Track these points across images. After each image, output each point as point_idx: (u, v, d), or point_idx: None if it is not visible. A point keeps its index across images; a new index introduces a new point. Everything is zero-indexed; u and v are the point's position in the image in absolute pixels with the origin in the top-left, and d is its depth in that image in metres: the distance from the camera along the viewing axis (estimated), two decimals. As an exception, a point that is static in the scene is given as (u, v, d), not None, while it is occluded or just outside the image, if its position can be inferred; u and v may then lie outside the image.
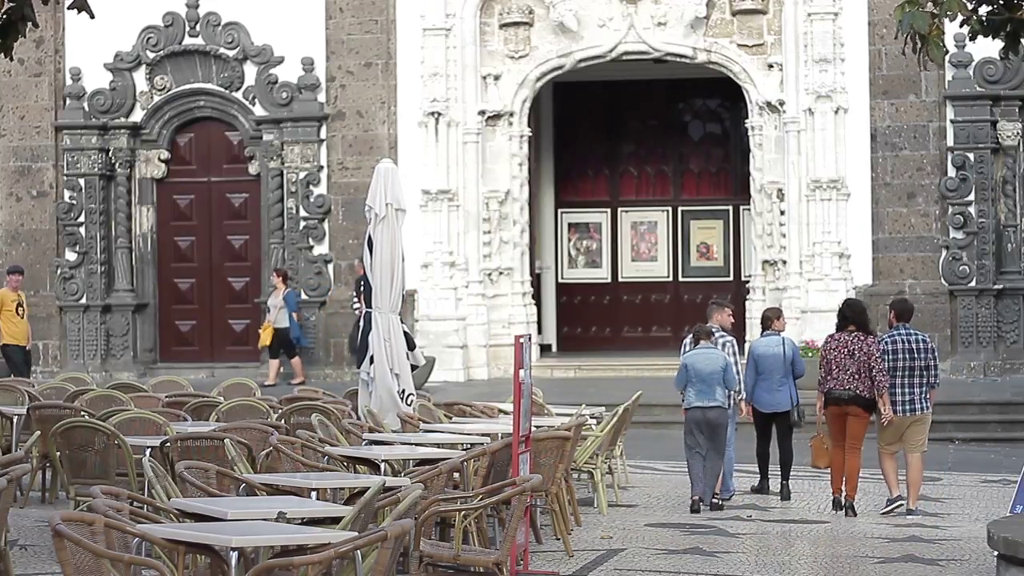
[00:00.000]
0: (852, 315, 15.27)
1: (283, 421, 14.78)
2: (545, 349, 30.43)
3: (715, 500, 15.37)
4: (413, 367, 16.04)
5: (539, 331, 29.28)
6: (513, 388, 12.46)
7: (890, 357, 15.09)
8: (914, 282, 26.29)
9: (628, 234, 31.97)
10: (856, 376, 15.02)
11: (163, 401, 16.57)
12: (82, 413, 14.40)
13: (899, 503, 15.26)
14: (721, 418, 15.29)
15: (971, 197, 26.17)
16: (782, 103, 26.64)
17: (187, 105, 28.44)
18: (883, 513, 15.24)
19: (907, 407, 15.14)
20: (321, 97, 27.69)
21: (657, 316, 31.32)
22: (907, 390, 15.11)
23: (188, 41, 28.25)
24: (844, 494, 15.32)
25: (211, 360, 28.27)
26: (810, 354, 23.35)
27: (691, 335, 15.90)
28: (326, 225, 27.64)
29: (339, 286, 27.51)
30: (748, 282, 27.98)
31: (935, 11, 11.12)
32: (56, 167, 28.45)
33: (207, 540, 8.11)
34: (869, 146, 26.44)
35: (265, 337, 26.71)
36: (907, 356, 15.10)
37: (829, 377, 15.11)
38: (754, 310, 27.00)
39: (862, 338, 15.10)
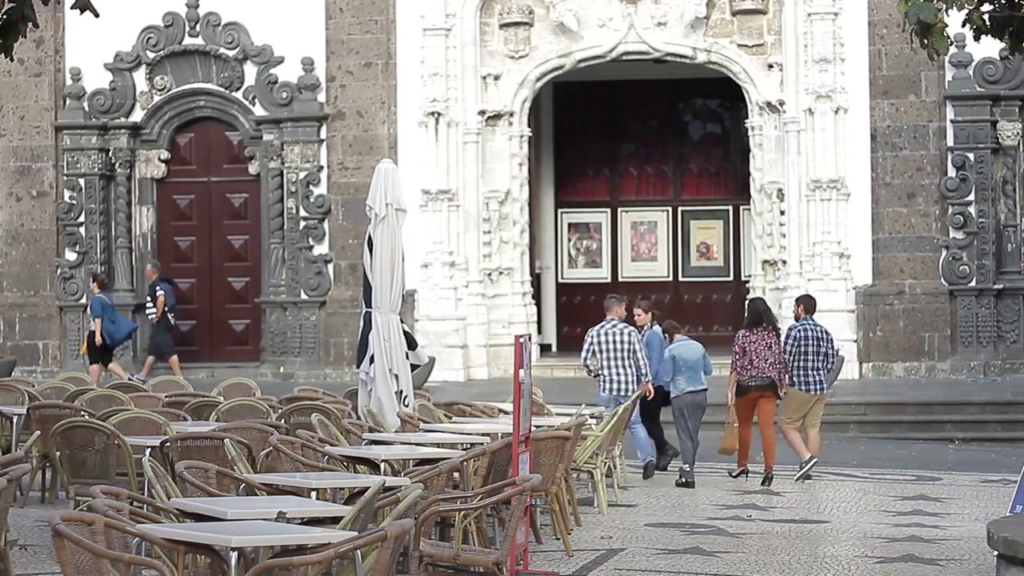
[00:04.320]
0: (769, 315, 17.55)
1: (283, 421, 14.77)
2: (545, 349, 30.43)
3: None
4: (415, 366, 16.04)
5: (539, 331, 29.28)
6: (513, 388, 12.46)
7: (802, 344, 17.38)
8: (914, 282, 26.30)
9: (628, 234, 31.97)
10: (772, 365, 17.14)
11: (163, 401, 16.56)
12: (82, 413, 14.39)
13: (813, 461, 17.31)
14: (705, 400, 17.40)
15: (971, 197, 26.17)
16: (782, 103, 26.65)
17: (187, 105, 28.45)
18: (799, 477, 17.22)
19: (817, 387, 17.45)
20: (321, 97, 27.70)
21: (657, 316, 31.27)
22: (815, 373, 17.42)
23: (188, 41, 28.26)
24: (744, 468, 17.29)
25: (211, 360, 28.28)
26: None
27: (598, 331, 17.52)
28: (326, 225, 27.65)
29: (339, 286, 27.52)
30: (748, 282, 27.99)
31: (939, 2, 11.12)
32: (56, 167, 28.45)
33: (207, 540, 8.10)
34: (869, 146, 26.45)
35: (85, 344, 26.55)
36: (815, 343, 17.39)
37: (751, 367, 17.10)
38: (754, 310, 27.01)
39: (772, 333, 17.26)
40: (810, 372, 17.35)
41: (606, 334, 17.49)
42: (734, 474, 17.33)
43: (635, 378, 17.40)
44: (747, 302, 18.22)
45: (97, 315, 26.01)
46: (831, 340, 17.68)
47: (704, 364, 17.34)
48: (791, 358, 17.31)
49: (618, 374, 17.39)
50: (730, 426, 17.27)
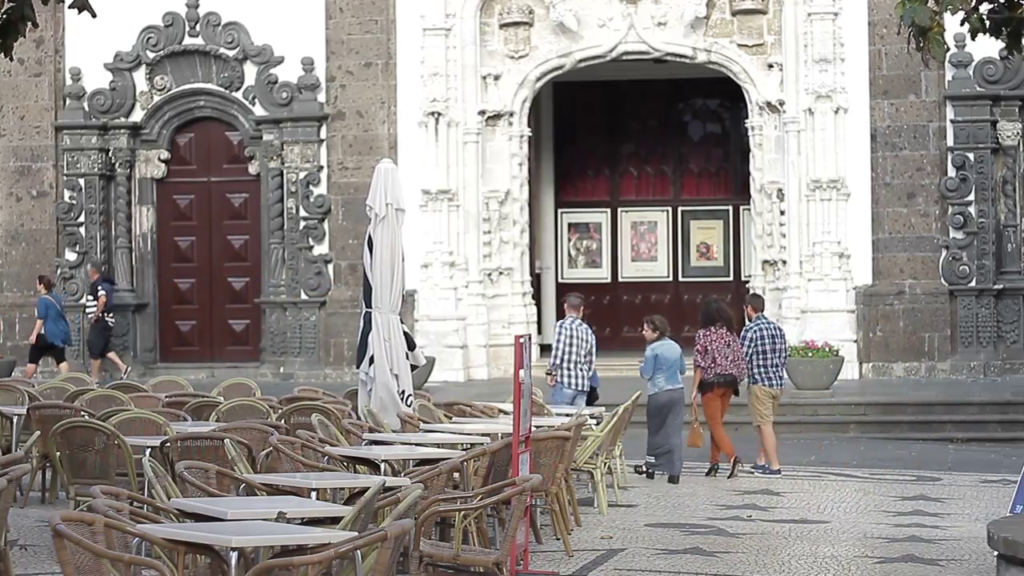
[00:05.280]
0: (723, 314, 17.87)
1: (283, 421, 14.76)
2: (545, 349, 30.34)
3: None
4: (413, 367, 16.03)
5: (539, 331, 29.29)
6: (513, 388, 12.46)
7: (758, 343, 17.84)
8: (914, 282, 26.30)
9: (628, 234, 31.98)
10: (733, 362, 17.62)
11: (163, 401, 16.55)
12: (82, 413, 14.38)
13: (779, 472, 17.76)
14: (682, 398, 17.68)
15: (971, 197, 26.18)
16: (782, 103, 26.65)
17: (187, 105, 28.46)
18: (755, 471, 17.77)
19: (779, 382, 18.01)
20: (321, 97, 27.70)
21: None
22: (777, 369, 17.94)
23: (188, 41, 28.27)
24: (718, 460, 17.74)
25: (211, 360, 28.30)
26: (810, 354, 23.38)
27: (570, 325, 17.92)
28: (326, 225, 27.66)
29: (339, 286, 27.52)
30: (748, 282, 27.99)
31: (936, 7, 11.11)
32: (56, 167, 28.46)
33: (207, 540, 8.10)
34: (869, 146, 26.45)
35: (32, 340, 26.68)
36: (772, 340, 17.89)
37: (714, 365, 17.55)
38: (754, 310, 27.03)
39: (728, 332, 17.67)
40: (770, 368, 17.86)
41: (575, 330, 17.96)
42: (728, 475, 17.52)
43: (590, 375, 18.08)
44: (701, 303, 18.78)
45: (40, 315, 26.15)
46: (784, 336, 18.29)
47: (681, 364, 17.73)
48: (750, 357, 17.78)
49: (580, 370, 17.96)
50: (695, 424, 17.75)
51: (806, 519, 14.86)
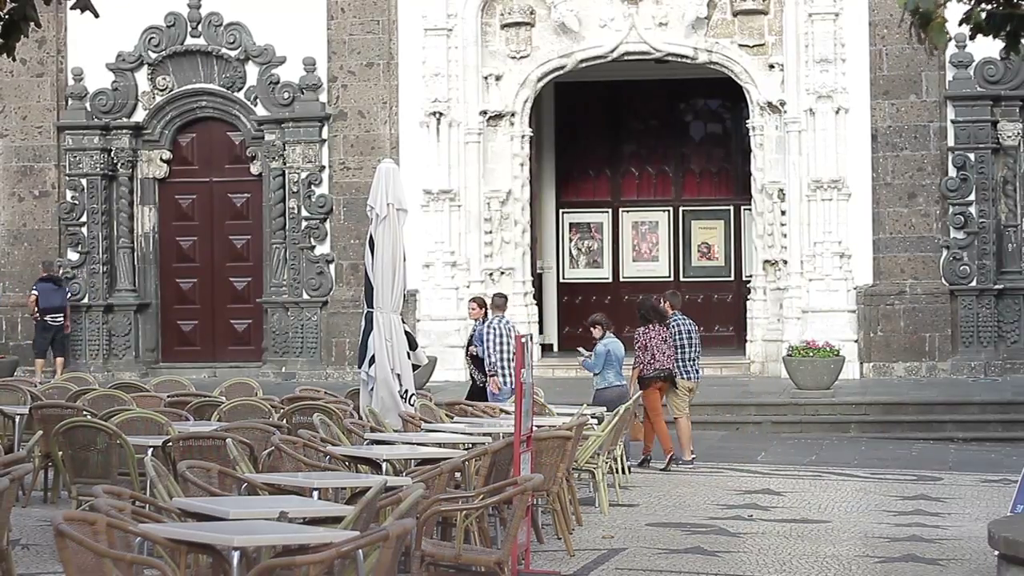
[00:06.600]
0: (658, 311, 18.62)
1: (285, 421, 14.79)
2: (546, 349, 30.44)
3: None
4: (415, 367, 16.05)
5: (540, 331, 29.30)
6: (515, 387, 12.47)
7: (680, 336, 18.63)
8: (915, 282, 26.32)
9: (629, 234, 31.99)
10: (669, 357, 18.35)
11: (165, 401, 16.57)
12: (84, 413, 14.40)
13: (672, 460, 18.35)
14: (627, 393, 18.20)
15: (972, 197, 26.19)
16: (783, 103, 26.66)
17: (189, 105, 28.48)
18: (665, 467, 18.19)
19: (695, 375, 18.72)
20: (323, 97, 27.72)
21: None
22: (693, 363, 18.68)
23: (190, 41, 28.29)
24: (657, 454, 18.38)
25: (213, 360, 28.31)
26: (811, 354, 23.40)
27: (498, 324, 18.63)
28: (328, 225, 27.68)
29: (341, 286, 27.55)
30: (749, 282, 28.00)
31: None
32: (58, 167, 28.48)
33: (209, 540, 8.11)
34: (870, 146, 26.46)
35: None
36: (689, 336, 18.70)
37: (653, 361, 18.24)
38: (755, 310, 27.07)
39: (664, 329, 18.44)
40: (687, 362, 18.62)
41: (508, 328, 18.54)
42: (662, 468, 18.13)
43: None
44: (638, 303, 19.45)
45: None
46: (697, 332, 19.07)
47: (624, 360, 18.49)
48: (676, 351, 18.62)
49: (513, 369, 18.17)
50: (635, 419, 18.18)
51: (807, 519, 14.88)
